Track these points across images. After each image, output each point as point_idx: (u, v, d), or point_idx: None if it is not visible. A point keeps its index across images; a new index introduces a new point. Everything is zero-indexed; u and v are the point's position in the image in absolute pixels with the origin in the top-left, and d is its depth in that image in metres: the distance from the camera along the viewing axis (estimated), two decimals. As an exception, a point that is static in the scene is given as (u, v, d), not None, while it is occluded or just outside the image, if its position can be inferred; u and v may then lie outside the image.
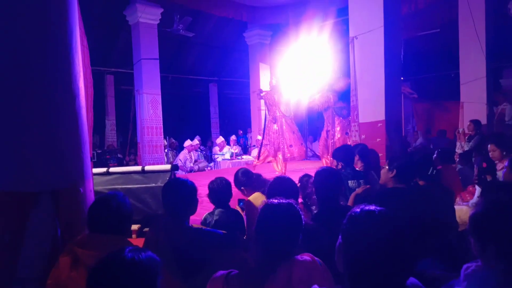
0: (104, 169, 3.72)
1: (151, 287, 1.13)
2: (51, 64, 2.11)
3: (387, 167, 2.61)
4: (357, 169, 3.54)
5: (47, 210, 2.00)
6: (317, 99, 6.02)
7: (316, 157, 8.44)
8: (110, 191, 1.97)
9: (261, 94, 6.29)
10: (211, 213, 2.65)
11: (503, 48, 8.55)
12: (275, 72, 6.39)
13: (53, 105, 2.11)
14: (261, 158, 6.30)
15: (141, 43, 8.69)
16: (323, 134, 6.06)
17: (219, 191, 2.66)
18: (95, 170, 3.23)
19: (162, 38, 9.31)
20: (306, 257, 1.46)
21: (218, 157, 9.53)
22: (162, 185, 2.31)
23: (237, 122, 13.62)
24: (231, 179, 3.09)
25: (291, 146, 5.95)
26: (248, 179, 3.09)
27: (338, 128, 5.73)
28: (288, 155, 5.98)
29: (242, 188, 3.11)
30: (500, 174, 3.32)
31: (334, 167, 3.52)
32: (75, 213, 2.11)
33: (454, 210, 2.77)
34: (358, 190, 2.86)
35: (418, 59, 11.30)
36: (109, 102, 11.17)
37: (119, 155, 9.75)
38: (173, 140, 10.21)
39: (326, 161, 5.94)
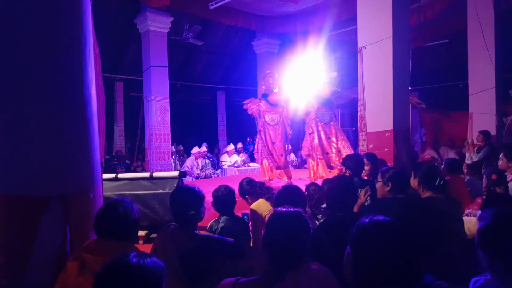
0: (113, 175, 3.76)
1: None
2: (64, 71, 2.16)
3: (380, 180, 2.59)
4: (364, 177, 3.53)
5: (57, 215, 2.03)
6: (249, 106, 6.23)
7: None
8: (117, 197, 1.98)
9: (245, 104, 6.40)
10: (217, 221, 2.66)
11: (512, 59, 8.51)
12: (271, 77, 6.43)
13: (65, 111, 2.15)
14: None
15: (150, 50, 8.80)
16: (307, 137, 6.15)
17: (223, 199, 2.68)
18: (104, 176, 3.26)
19: (172, 46, 9.43)
20: (313, 266, 1.46)
21: (224, 164, 9.56)
22: (170, 191, 2.33)
23: (244, 130, 13.66)
24: (237, 186, 3.10)
25: (271, 155, 6.10)
26: (252, 188, 3.10)
27: (322, 133, 5.81)
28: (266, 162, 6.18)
29: (246, 196, 3.11)
30: (510, 185, 3.30)
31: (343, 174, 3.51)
32: (85, 218, 2.13)
33: (462, 221, 2.75)
34: (362, 199, 2.83)
35: (427, 69, 11.28)
36: (118, 109, 11.29)
37: (127, 161, 9.83)
38: (181, 147, 10.27)
39: (312, 163, 6.05)
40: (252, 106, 6.26)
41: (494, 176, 3.36)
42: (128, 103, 11.57)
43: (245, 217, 2.99)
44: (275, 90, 6.35)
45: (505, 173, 3.66)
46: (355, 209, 2.80)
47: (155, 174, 3.79)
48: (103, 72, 3.11)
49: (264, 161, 6.25)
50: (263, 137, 6.16)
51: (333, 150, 5.68)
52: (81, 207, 2.14)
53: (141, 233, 3.33)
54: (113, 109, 11.13)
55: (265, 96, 6.31)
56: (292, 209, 1.52)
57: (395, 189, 2.49)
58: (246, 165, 9.58)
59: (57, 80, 2.13)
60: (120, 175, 3.78)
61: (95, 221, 1.87)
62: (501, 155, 3.96)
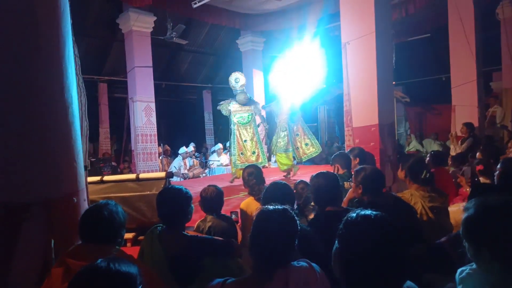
0: (98, 178, 3.69)
1: None
2: (43, 74, 2.11)
3: (354, 182, 2.59)
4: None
5: (39, 221, 1.98)
6: (222, 107, 6.58)
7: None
8: (102, 200, 1.95)
9: (219, 105, 6.63)
10: (204, 220, 2.64)
11: (492, 52, 8.67)
12: (242, 74, 6.59)
13: (46, 114, 2.10)
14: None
15: (134, 51, 8.68)
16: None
17: (211, 199, 2.66)
18: (89, 179, 3.20)
19: (156, 46, 9.32)
20: (302, 263, 1.46)
21: (213, 164, 9.52)
22: (157, 192, 2.29)
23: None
24: (225, 185, 3.08)
25: (242, 154, 6.34)
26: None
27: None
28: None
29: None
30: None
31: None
32: (69, 223, 2.09)
33: (448, 212, 2.79)
34: (350, 194, 2.85)
35: (410, 63, 11.43)
36: (102, 110, 11.12)
37: (113, 163, 9.69)
38: (167, 147, 10.18)
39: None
40: (224, 107, 6.50)
41: (481, 167, 3.41)
42: (113, 105, 11.41)
43: (234, 215, 2.98)
44: (243, 89, 6.53)
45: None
46: (344, 204, 2.82)
47: (142, 175, 3.74)
48: (86, 74, 3.05)
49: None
50: (234, 136, 6.39)
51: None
52: (64, 212, 2.09)
53: (129, 235, 3.28)
54: (97, 111, 10.96)
55: (233, 96, 6.49)
56: (279, 207, 1.51)
57: (367, 192, 2.48)
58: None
59: (37, 83, 2.08)
60: (106, 178, 3.71)
61: (79, 226, 1.83)
62: (478, 154, 4.05)
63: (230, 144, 6.59)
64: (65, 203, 2.11)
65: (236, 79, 6.52)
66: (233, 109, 6.40)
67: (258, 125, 6.70)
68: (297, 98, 6.71)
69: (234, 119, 6.42)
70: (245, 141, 6.37)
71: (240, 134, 6.38)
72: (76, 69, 2.55)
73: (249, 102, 6.49)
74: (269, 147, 8.40)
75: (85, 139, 2.65)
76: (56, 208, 2.04)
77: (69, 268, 1.65)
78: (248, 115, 6.44)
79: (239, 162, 6.28)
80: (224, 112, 6.56)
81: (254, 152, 6.37)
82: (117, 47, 10.38)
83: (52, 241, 2.01)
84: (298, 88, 6.69)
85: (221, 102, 6.63)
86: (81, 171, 2.31)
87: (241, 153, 6.33)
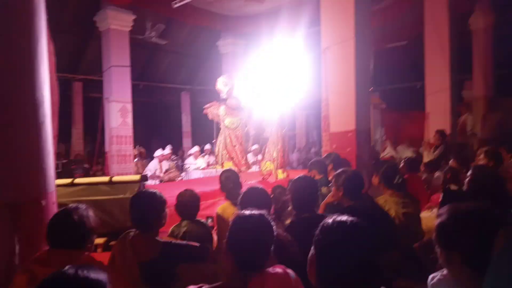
0: (69, 180, 3.57)
1: None
2: (13, 71, 2.02)
3: (334, 185, 2.63)
4: (330, 178, 3.59)
5: (4, 225, 1.89)
6: (209, 110, 6.48)
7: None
8: (72, 204, 1.88)
9: (205, 108, 6.52)
10: (178, 225, 2.60)
11: (464, 61, 8.99)
12: (230, 78, 6.52)
13: (14, 113, 2.02)
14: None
15: (111, 50, 8.48)
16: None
17: (187, 204, 2.61)
18: (60, 181, 3.10)
19: (134, 45, 9.15)
20: (278, 269, 1.45)
21: (189, 167, 9.40)
22: (131, 196, 2.23)
23: (209, 132, 13.52)
24: (202, 189, 3.04)
25: (232, 158, 6.29)
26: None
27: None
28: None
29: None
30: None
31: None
32: (36, 228, 2.00)
33: (419, 219, 2.85)
34: (328, 199, 2.87)
35: (387, 70, 11.69)
36: (76, 110, 10.80)
37: (85, 165, 9.42)
38: (142, 149, 9.98)
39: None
40: (212, 111, 6.40)
41: (448, 175, 3.52)
42: (87, 105, 11.10)
43: (209, 220, 2.94)
44: (234, 93, 6.42)
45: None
46: (321, 210, 2.83)
47: (115, 178, 3.64)
48: (59, 72, 2.95)
49: (226, 163, 6.32)
50: (223, 140, 6.26)
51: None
52: (31, 215, 2.00)
53: (100, 240, 3.17)
54: (71, 110, 10.64)
55: (224, 100, 6.37)
56: (255, 212, 1.49)
57: (347, 194, 2.53)
58: (213, 167, 9.46)
59: (6, 80, 1.98)
60: (77, 180, 3.59)
61: (47, 230, 1.76)
62: (451, 161, 4.19)
63: (218, 148, 6.47)
64: (32, 206, 2.02)
65: (225, 83, 6.42)
66: (222, 113, 6.30)
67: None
68: (277, 103, 6.72)
69: (224, 123, 6.32)
70: (235, 146, 6.30)
71: (231, 139, 6.30)
72: (50, 67, 2.46)
73: (239, 107, 6.42)
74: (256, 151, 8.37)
75: (55, 140, 2.55)
76: (22, 211, 1.95)
77: (34, 275, 1.58)
78: (238, 120, 6.37)
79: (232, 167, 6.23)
80: (210, 116, 6.46)
81: (243, 157, 6.34)
82: (93, 46, 10.12)
83: (17, 246, 1.91)
84: (278, 93, 6.71)
85: (207, 105, 6.50)
86: (51, 173, 2.22)
87: (232, 158, 6.25)
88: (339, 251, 1.13)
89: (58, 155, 7.15)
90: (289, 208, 3.04)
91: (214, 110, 6.39)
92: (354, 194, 2.51)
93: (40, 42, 2.19)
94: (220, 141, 6.35)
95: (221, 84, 6.42)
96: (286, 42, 7.46)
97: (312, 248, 1.21)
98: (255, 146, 9.69)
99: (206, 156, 10.05)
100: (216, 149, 6.47)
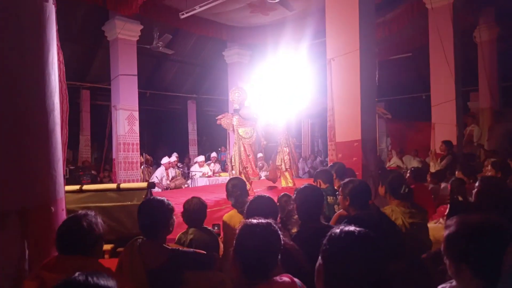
0: (77, 187, 3.60)
1: None
2: (25, 79, 2.06)
3: (341, 194, 2.62)
4: (335, 188, 3.59)
5: (14, 231, 1.91)
6: (223, 121, 6.50)
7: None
8: (81, 210, 1.89)
9: (218, 119, 6.56)
10: (185, 232, 2.60)
11: (470, 73, 9.00)
12: (239, 91, 6.55)
13: (25, 121, 2.05)
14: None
15: (119, 59, 8.60)
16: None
17: (194, 211, 2.62)
18: (68, 188, 3.12)
19: (141, 54, 9.27)
20: (285, 278, 1.44)
21: (195, 174, 9.43)
22: (138, 203, 2.25)
23: (215, 140, 13.58)
24: (208, 197, 3.05)
25: (246, 167, 6.30)
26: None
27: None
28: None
29: None
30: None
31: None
32: (45, 234, 2.02)
33: (427, 228, 2.83)
34: (344, 212, 2.86)
35: (392, 81, 11.72)
36: (84, 117, 10.91)
37: (93, 172, 9.48)
38: (148, 157, 10.03)
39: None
40: (226, 121, 6.43)
41: (449, 187, 3.50)
42: (95, 112, 11.22)
43: (216, 228, 2.94)
44: (246, 103, 6.45)
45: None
46: (333, 221, 2.82)
47: (122, 185, 3.67)
48: (68, 80, 3.00)
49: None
50: (237, 150, 6.31)
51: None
52: (41, 221, 2.02)
53: (107, 247, 3.19)
54: (78, 118, 10.75)
55: (237, 110, 6.45)
56: (262, 220, 1.50)
57: (354, 204, 2.51)
58: (218, 174, 9.49)
59: (17, 88, 2.02)
60: (85, 187, 3.62)
61: (56, 237, 1.77)
62: (457, 172, 4.17)
63: (234, 158, 6.47)
64: (41, 212, 2.04)
65: (238, 94, 6.48)
66: (236, 123, 6.36)
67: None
68: (282, 111, 6.76)
69: (238, 133, 6.37)
70: (249, 155, 6.34)
71: (245, 148, 6.34)
72: (60, 76, 2.50)
73: (251, 117, 6.46)
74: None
75: (64, 147, 2.58)
76: (32, 217, 1.97)
77: (44, 281, 1.59)
78: (251, 130, 6.42)
79: (244, 176, 6.22)
80: (224, 126, 6.50)
81: (254, 166, 6.36)
82: (101, 55, 10.27)
83: (27, 251, 1.93)
84: (283, 101, 6.75)
85: (219, 116, 6.57)
86: (60, 179, 2.25)
87: (245, 167, 6.27)
88: (347, 260, 1.13)
89: (65, 162, 7.18)
90: (295, 217, 3.04)
91: (227, 121, 6.43)
92: (361, 204, 2.50)
93: (51, 52, 2.23)
94: (235, 150, 6.39)
95: (234, 95, 6.47)
96: (291, 53, 7.53)
97: (320, 257, 1.22)
98: (260, 154, 9.70)
99: (212, 164, 10.08)
100: (232, 159, 6.47)
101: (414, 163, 8.43)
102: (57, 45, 2.48)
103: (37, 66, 2.14)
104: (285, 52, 7.83)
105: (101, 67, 10.40)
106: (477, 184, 2.48)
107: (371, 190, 2.73)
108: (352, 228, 1.19)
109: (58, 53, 2.48)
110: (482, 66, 9.12)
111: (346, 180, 2.67)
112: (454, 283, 1.30)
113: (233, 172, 6.31)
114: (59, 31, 2.49)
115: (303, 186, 2.48)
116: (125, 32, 8.55)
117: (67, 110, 2.77)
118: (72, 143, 10.20)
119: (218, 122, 6.55)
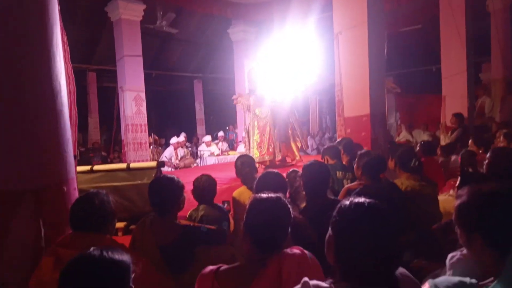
0: (88, 167, 3.65)
1: (123, 285, 1.12)
2: (30, 61, 2.06)
3: (356, 163, 2.72)
4: (344, 163, 3.59)
5: (30, 210, 1.96)
6: (239, 100, 6.53)
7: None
8: (92, 189, 1.93)
9: (234, 99, 6.59)
10: (196, 209, 2.64)
11: (482, 43, 8.74)
12: (254, 72, 6.49)
13: (34, 103, 2.06)
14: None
15: (123, 40, 8.53)
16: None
17: (204, 188, 2.65)
18: (79, 168, 3.16)
19: (145, 35, 9.18)
20: (295, 250, 1.46)
21: (204, 153, 9.49)
22: (148, 182, 2.28)
23: (222, 119, 13.58)
24: (217, 175, 3.07)
25: (260, 146, 6.32)
26: None
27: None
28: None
29: None
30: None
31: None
32: (59, 212, 2.06)
33: (437, 201, 2.83)
34: (352, 186, 2.87)
35: (401, 54, 11.46)
36: (91, 100, 10.98)
37: (103, 153, 9.60)
38: (156, 137, 10.10)
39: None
40: (243, 101, 6.45)
41: (459, 159, 3.47)
42: (102, 94, 11.27)
43: (226, 204, 2.97)
44: (261, 83, 6.43)
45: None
46: (341, 195, 2.85)
47: (132, 165, 3.71)
48: (74, 63, 2.99)
49: (255, 151, 6.41)
50: (252, 129, 6.34)
51: None
52: (54, 200, 2.06)
53: (120, 225, 3.25)
54: (86, 100, 10.82)
55: (252, 91, 6.45)
56: (272, 195, 1.51)
57: (366, 174, 2.63)
58: (226, 153, 9.54)
59: (24, 70, 2.02)
60: (96, 167, 3.67)
61: (70, 215, 1.81)
62: (470, 141, 4.11)
63: (249, 137, 6.52)
64: (55, 192, 2.08)
65: (256, 74, 6.45)
66: (252, 103, 6.36)
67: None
68: (289, 87, 6.69)
69: (255, 113, 6.37)
70: (264, 134, 6.35)
71: (260, 128, 6.35)
72: (65, 57, 2.49)
73: (266, 97, 6.44)
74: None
75: (74, 128, 2.60)
76: (45, 196, 2.01)
77: (60, 257, 1.64)
78: (267, 110, 6.40)
79: (259, 155, 6.26)
80: (241, 106, 6.55)
81: (270, 146, 6.36)
82: (106, 36, 10.20)
83: (42, 230, 1.98)
84: (289, 77, 6.67)
85: (235, 96, 6.60)
86: (71, 160, 2.28)
87: (260, 147, 6.30)
88: (357, 232, 1.13)
89: (76, 143, 7.26)
90: (303, 192, 3.06)
91: (244, 101, 6.44)
92: (373, 175, 2.54)
93: (55, 32, 2.22)
94: (250, 130, 6.42)
95: (252, 75, 6.43)
96: (298, 28, 7.38)
97: (330, 229, 1.22)
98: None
99: (220, 143, 10.12)
100: (246, 137, 6.53)
101: (424, 137, 8.35)
102: (60, 25, 2.45)
103: (41, 47, 2.12)
104: (291, 27, 7.66)
105: (107, 48, 10.35)
106: (488, 155, 2.45)
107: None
108: (362, 199, 1.19)
109: (61, 34, 2.46)
110: (495, 35, 8.83)
111: (363, 151, 2.73)
112: (465, 251, 1.30)
113: (251, 150, 6.36)
114: (62, 13, 2.47)
115: (309, 162, 2.48)
116: (128, 12, 8.45)
117: (74, 91, 2.78)
118: (81, 126, 10.29)
119: (234, 102, 6.60)
